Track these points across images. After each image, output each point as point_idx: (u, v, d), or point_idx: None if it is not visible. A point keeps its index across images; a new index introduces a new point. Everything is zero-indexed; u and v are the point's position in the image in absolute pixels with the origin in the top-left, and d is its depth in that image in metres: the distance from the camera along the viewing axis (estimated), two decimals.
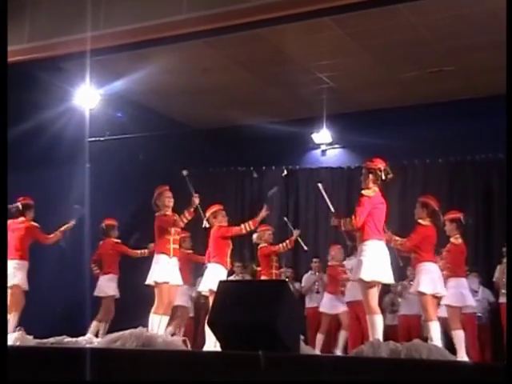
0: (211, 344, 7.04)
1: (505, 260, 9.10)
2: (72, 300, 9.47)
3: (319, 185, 8.11)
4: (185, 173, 8.00)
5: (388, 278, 6.42)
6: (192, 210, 7.51)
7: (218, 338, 4.95)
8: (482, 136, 10.58)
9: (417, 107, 11.19)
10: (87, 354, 4.15)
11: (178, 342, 5.18)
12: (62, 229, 8.70)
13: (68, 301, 9.71)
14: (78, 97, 10.13)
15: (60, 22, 7.71)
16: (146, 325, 6.97)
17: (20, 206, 8.44)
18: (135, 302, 9.18)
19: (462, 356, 7.15)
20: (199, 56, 9.79)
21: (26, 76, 8.84)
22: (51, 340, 5.86)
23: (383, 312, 9.59)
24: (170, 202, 7.58)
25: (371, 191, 6.46)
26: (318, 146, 12.51)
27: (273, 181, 12.81)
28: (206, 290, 7.80)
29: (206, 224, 8.10)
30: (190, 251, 9.60)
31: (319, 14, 7.27)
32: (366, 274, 6.22)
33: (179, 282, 7.56)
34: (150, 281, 7.41)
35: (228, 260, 8.04)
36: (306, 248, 9.57)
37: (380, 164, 6.55)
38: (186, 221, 7.52)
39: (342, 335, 9.40)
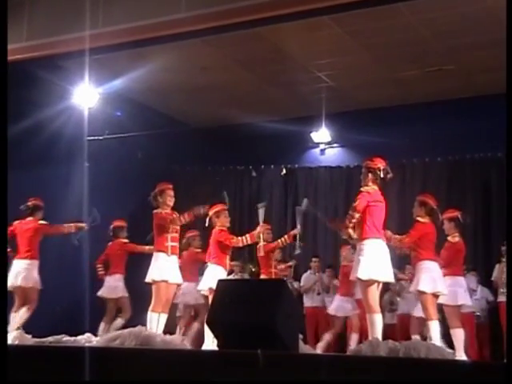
0: (209, 343, 7.04)
1: (503, 259, 9.11)
2: (71, 299, 9.47)
3: (305, 200, 8.18)
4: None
5: (387, 276, 6.40)
6: (192, 214, 7.51)
7: (217, 337, 4.95)
8: (481, 135, 10.58)
9: (416, 106, 11.18)
10: (86, 352, 4.15)
11: (177, 341, 5.19)
12: (78, 225, 8.64)
13: (67, 300, 9.71)
14: (76, 95, 10.12)
15: (59, 20, 7.70)
16: (144, 323, 6.98)
17: (29, 207, 8.52)
18: (134, 300, 9.19)
19: (461, 355, 7.15)
20: (198, 54, 9.79)
21: (24, 74, 8.83)
22: (50, 339, 5.87)
23: (382, 311, 9.61)
24: (172, 201, 7.57)
25: (369, 188, 6.47)
26: (317, 144, 12.50)
27: (272, 180, 12.85)
28: (206, 288, 7.80)
29: (207, 223, 8.10)
30: (199, 250, 9.57)
31: (318, 13, 7.26)
32: (364, 273, 6.22)
33: (178, 280, 7.55)
34: (148, 279, 7.41)
35: (227, 261, 8.04)
36: (297, 248, 9.50)
37: (380, 163, 6.55)
38: (183, 222, 7.51)
39: (354, 338, 9.25)
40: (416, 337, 8.36)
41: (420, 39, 9.26)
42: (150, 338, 5.16)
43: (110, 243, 9.45)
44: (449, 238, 7.81)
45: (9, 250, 8.08)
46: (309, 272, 10.76)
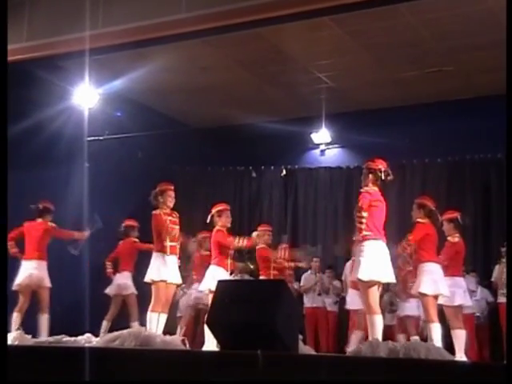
0: (210, 344, 7.04)
1: (503, 260, 9.11)
2: (71, 300, 9.47)
3: None
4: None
5: (388, 277, 6.40)
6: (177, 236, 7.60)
7: (217, 337, 4.95)
8: (481, 136, 10.58)
9: (416, 107, 11.19)
10: (86, 353, 4.15)
11: (177, 341, 5.18)
12: (84, 233, 8.76)
13: (67, 300, 9.71)
14: (76, 95, 10.12)
15: (59, 20, 7.70)
16: (144, 323, 6.98)
17: (40, 208, 8.63)
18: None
19: (461, 356, 7.15)
20: (198, 55, 9.79)
21: (24, 75, 8.83)
22: (50, 339, 5.86)
23: (382, 312, 9.58)
24: (172, 201, 7.58)
25: (370, 189, 6.47)
26: (317, 145, 12.51)
27: (272, 180, 12.85)
28: (206, 289, 7.80)
29: (208, 221, 8.11)
30: (209, 252, 9.57)
31: (318, 14, 7.26)
32: (364, 274, 6.21)
33: (177, 280, 7.56)
34: (147, 279, 7.42)
35: (228, 262, 8.02)
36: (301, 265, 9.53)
37: (381, 165, 6.55)
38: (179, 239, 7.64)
39: (358, 336, 9.12)
40: (415, 337, 8.35)
41: (420, 40, 9.27)
42: (150, 338, 5.16)
43: (121, 242, 9.49)
44: (449, 239, 7.82)
45: (17, 250, 8.37)
46: (309, 272, 10.75)
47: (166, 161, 11.94)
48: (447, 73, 10.22)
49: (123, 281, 9.26)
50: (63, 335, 5.89)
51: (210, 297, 6.30)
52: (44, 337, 7.60)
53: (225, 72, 10.51)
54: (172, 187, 7.63)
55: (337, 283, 10.74)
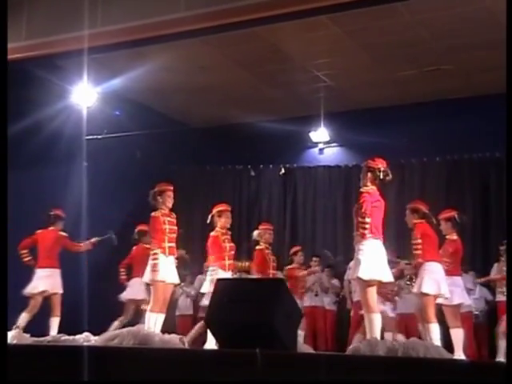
0: (213, 343, 7.05)
1: (502, 258, 9.13)
2: (69, 299, 9.47)
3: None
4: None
5: (386, 276, 6.41)
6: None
7: (216, 336, 4.96)
8: (480, 135, 10.59)
9: (414, 106, 11.19)
10: (84, 352, 4.15)
11: (175, 340, 5.19)
12: (93, 240, 8.96)
13: (66, 301, 9.71)
14: (75, 95, 10.11)
15: (57, 19, 7.69)
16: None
17: (51, 216, 8.83)
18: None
19: (460, 354, 7.16)
20: (197, 54, 9.79)
21: (23, 74, 8.82)
22: (48, 338, 5.87)
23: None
24: (171, 202, 7.58)
25: (369, 188, 6.47)
26: (315, 144, 12.50)
27: (270, 179, 12.85)
28: (206, 292, 7.83)
29: (209, 221, 8.11)
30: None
31: (316, 13, 7.26)
32: (365, 273, 6.22)
33: (175, 280, 7.58)
34: (145, 279, 7.43)
35: (227, 263, 8.01)
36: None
37: (380, 164, 6.55)
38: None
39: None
40: (414, 338, 8.34)
41: (418, 39, 9.27)
42: (149, 337, 5.16)
43: (135, 247, 9.49)
44: (447, 237, 7.84)
45: (30, 258, 8.63)
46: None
47: (164, 160, 11.94)
48: (446, 72, 10.22)
49: (138, 286, 9.25)
50: (62, 334, 5.90)
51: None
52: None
53: (223, 71, 10.51)
54: (171, 188, 7.62)
55: (336, 282, 10.74)
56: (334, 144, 12.49)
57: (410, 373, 3.57)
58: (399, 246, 8.88)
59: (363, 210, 6.27)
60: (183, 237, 8.45)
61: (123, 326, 8.99)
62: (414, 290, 7.37)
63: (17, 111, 8.28)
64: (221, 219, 8.05)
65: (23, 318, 8.31)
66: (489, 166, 11.03)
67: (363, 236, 6.26)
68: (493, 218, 10.75)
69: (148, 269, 7.36)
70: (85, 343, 5.71)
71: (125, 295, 9.32)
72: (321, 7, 6.73)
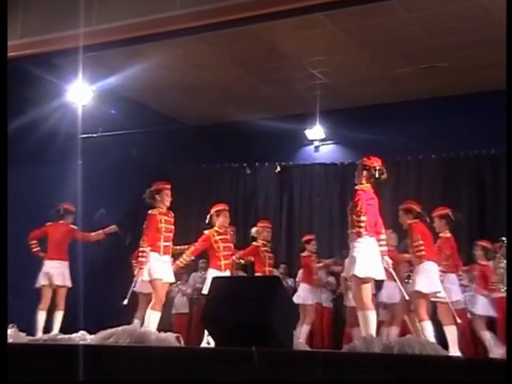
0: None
1: (498, 255, 9.15)
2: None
3: None
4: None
5: (380, 274, 6.44)
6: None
7: (212, 335, 4.96)
8: (475, 132, 10.61)
9: (410, 103, 11.20)
10: (80, 350, 4.14)
11: (172, 338, 5.18)
12: (106, 230, 9.04)
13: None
14: (71, 93, 10.10)
15: (53, 18, 7.68)
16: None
17: (61, 211, 8.97)
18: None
19: (455, 351, 7.18)
20: (192, 52, 9.79)
21: (18, 72, 8.80)
22: (44, 337, 5.86)
23: (377, 308, 9.57)
24: (168, 200, 7.60)
25: (364, 186, 6.49)
26: (311, 142, 12.51)
27: (266, 177, 12.86)
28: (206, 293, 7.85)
29: (207, 220, 8.12)
30: None
31: (312, 10, 7.26)
32: (360, 271, 6.23)
33: (171, 278, 7.59)
34: (143, 278, 7.45)
35: (222, 263, 8.01)
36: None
37: (376, 162, 6.57)
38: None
39: (393, 332, 8.71)
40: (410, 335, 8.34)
41: (414, 37, 9.27)
42: (145, 335, 5.15)
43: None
44: (441, 235, 7.87)
45: (39, 249, 8.83)
46: None
47: (160, 158, 11.94)
48: (441, 69, 10.23)
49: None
50: (57, 332, 5.90)
51: None
52: (55, 331, 7.92)
53: (219, 69, 10.51)
54: (169, 186, 7.63)
55: (332, 279, 10.74)
56: (330, 142, 12.50)
57: (405, 370, 3.57)
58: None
59: (358, 209, 6.28)
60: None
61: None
62: (410, 288, 7.38)
63: (12, 109, 8.25)
64: (219, 218, 8.07)
65: (41, 316, 8.49)
66: (484, 164, 11.05)
67: (359, 234, 6.27)
68: (489, 214, 10.77)
69: (146, 267, 7.38)
70: (81, 342, 5.70)
71: (139, 288, 9.29)
72: (317, 5, 6.72)
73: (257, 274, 8.93)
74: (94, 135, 10.78)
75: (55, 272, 8.66)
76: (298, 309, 10.01)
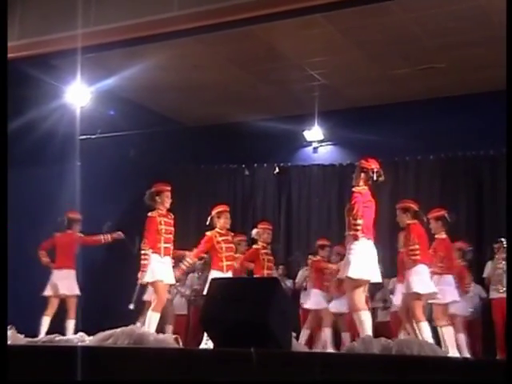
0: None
1: (496, 256, 9.17)
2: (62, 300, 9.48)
3: None
4: None
5: (376, 276, 6.46)
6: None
7: (211, 336, 4.96)
8: (474, 132, 10.61)
9: (408, 104, 11.20)
10: (79, 352, 4.14)
11: (170, 339, 5.18)
12: (114, 235, 9.11)
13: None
14: (69, 94, 10.10)
15: (51, 19, 7.68)
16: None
17: (66, 220, 9.09)
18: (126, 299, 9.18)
19: (454, 352, 7.19)
20: (191, 53, 9.78)
21: (16, 73, 8.77)
22: (43, 338, 5.85)
23: (375, 309, 9.61)
24: (168, 202, 7.61)
25: (361, 188, 6.50)
26: (309, 143, 12.51)
27: (265, 178, 12.85)
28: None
29: (208, 221, 8.12)
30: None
31: (311, 11, 7.26)
32: (354, 272, 6.25)
33: (172, 280, 7.60)
34: (143, 281, 7.44)
35: (224, 264, 8.01)
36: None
37: (374, 165, 6.58)
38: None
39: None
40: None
41: (412, 37, 9.27)
42: (143, 336, 5.15)
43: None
44: (437, 236, 7.88)
45: (48, 260, 8.96)
46: (304, 269, 10.73)
47: (158, 159, 11.93)
48: (439, 70, 10.23)
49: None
50: (56, 334, 5.89)
51: None
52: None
53: (217, 70, 10.50)
54: (169, 188, 7.64)
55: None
56: (328, 143, 12.49)
57: (404, 371, 3.57)
58: (393, 243, 8.88)
59: (355, 212, 6.30)
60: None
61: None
62: (404, 290, 7.37)
63: (10, 111, 8.24)
64: (220, 220, 8.07)
65: (45, 321, 8.63)
66: (483, 164, 11.04)
67: (355, 237, 6.29)
68: (487, 215, 10.77)
69: (147, 269, 7.38)
70: (79, 343, 5.70)
71: (148, 297, 9.25)
72: (315, 6, 6.73)
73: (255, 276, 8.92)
74: (93, 136, 10.78)
75: (62, 282, 8.83)
76: (299, 311, 10.04)
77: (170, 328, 9.10)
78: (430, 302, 7.49)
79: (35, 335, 6.35)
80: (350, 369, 3.68)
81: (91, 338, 5.80)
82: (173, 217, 7.64)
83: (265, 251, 8.86)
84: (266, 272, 8.78)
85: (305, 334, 9.58)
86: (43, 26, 7.73)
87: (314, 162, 12.62)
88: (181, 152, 12.39)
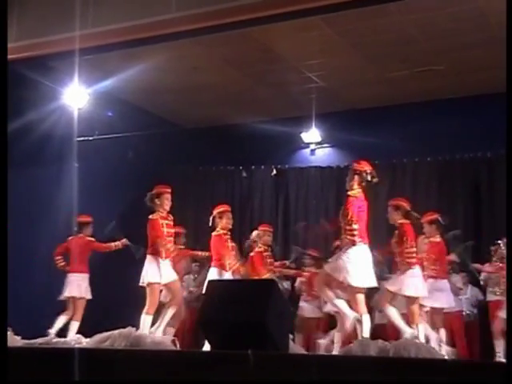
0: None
1: (494, 258, 9.16)
2: (59, 301, 9.47)
3: None
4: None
5: (372, 281, 6.50)
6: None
7: (208, 337, 4.96)
8: (471, 135, 10.62)
9: (406, 106, 11.20)
10: (76, 354, 4.14)
11: (167, 341, 5.19)
12: (124, 242, 9.14)
13: (56, 302, 9.69)
14: (66, 96, 10.08)
15: (48, 20, 7.68)
16: (134, 325, 6.98)
17: (78, 224, 9.18)
18: (124, 301, 9.18)
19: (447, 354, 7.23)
20: (188, 55, 9.78)
21: (14, 75, 8.76)
22: (39, 340, 5.86)
23: (373, 311, 9.59)
24: (168, 204, 7.60)
25: (356, 192, 6.51)
26: (307, 145, 12.50)
27: (262, 180, 12.85)
28: None
29: (211, 222, 8.11)
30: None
31: (308, 13, 7.26)
32: (357, 281, 6.29)
33: (173, 277, 7.59)
34: (141, 282, 7.42)
35: (228, 263, 8.01)
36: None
37: (366, 166, 6.59)
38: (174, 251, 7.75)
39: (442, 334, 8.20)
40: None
41: (410, 39, 9.28)
42: (140, 338, 5.16)
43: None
44: (431, 239, 7.89)
45: (64, 264, 9.07)
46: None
47: (156, 161, 11.93)
48: (437, 72, 10.24)
49: None
50: (53, 336, 5.89)
51: None
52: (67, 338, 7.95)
53: (215, 72, 10.50)
54: (169, 190, 7.63)
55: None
56: (326, 145, 12.49)
57: (401, 373, 3.58)
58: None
59: (349, 217, 6.31)
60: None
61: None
62: (398, 292, 7.34)
63: (8, 112, 8.26)
64: (222, 220, 8.07)
65: (60, 320, 8.67)
66: (480, 166, 11.05)
67: (353, 242, 6.31)
68: (484, 217, 10.77)
69: (144, 271, 7.38)
70: (76, 345, 5.70)
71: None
72: (313, 8, 6.74)
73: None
74: (90, 138, 10.76)
75: (73, 285, 8.95)
76: (294, 312, 10.02)
77: (171, 330, 9.07)
78: (422, 305, 7.51)
79: (32, 337, 6.33)
80: (347, 371, 3.68)
81: (88, 340, 5.81)
82: (172, 218, 7.64)
83: (266, 253, 8.86)
84: (267, 274, 8.77)
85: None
86: (41, 28, 7.73)
87: (312, 163, 12.62)
88: (178, 154, 12.38)
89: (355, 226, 6.31)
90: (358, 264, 6.31)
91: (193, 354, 4.89)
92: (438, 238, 7.86)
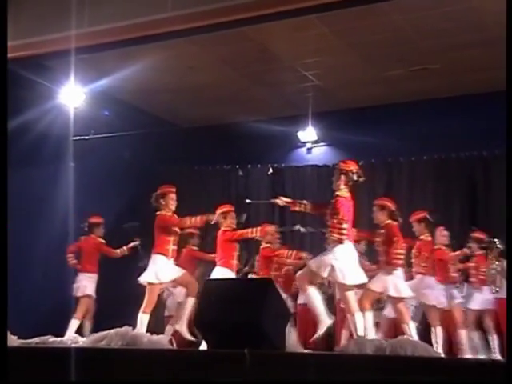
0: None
1: (490, 257, 9.16)
2: (56, 300, 9.47)
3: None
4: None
5: (362, 278, 6.52)
6: (204, 219, 7.53)
7: (204, 337, 4.96)
8: (467, 134, 10.63)
9: (402, 105, 11.21)
10: (72, 353, 4.14)
11: (164, 341, 5.19)
12: (130, 246, 9.30)
13: (53, 301, 9.70)
14: (62, 95, 10.07)
15: (44, 19, 7.66)
16: (130, 324, 6.98)
17: (88, 225, 9.33)
18: (121, 300, 9.18)
19: (440, 352, 7.25)
20: (185, 54, 9.77)
21: (10, 74, 8.77)
22: (36, 340, 5.85)
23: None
24: (174, 204, 7.59)
25: (344, 192, 6.52)
26: (303, 144, 12.51)
27: (259, 179, 12.84)
28: None
29: (215, 221, 8.07)
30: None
31: (305, 12, 7.26)
32: (347, 279, 6.31)
33: (178, 274, 7.58)
34: (143, 280, 7.38)
35: (235, 262, 8.02)
36: None
37: (352, 166, 6.59)
38: (192, 225, 7.62)
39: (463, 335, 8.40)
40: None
41: (406, 38, 9.29)
42: (137, 338, 5.16)
43: (184, 250, 9.42)
44: (422, 238, 7.89)
45: (76, 262, 9.24)
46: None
47: (152, 160, 11.92)
48: (433, 71, 10.25)
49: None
50: (49, 336, 5.88)
51: None
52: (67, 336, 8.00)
53: (211, 71, 10.50)
54: (174, 190, 7.62)
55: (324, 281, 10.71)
56: (322, 143, 12.50)
57: (398, 371, 3.58)
58: None
59: (340, 217, 6.32)
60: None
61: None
62: (385, 292, 7.34)
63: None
64: (226, 220, 8.06)
65: (73, 324, 8.79)
66: (476, 165, 11.07)
67: (340, 241, 6.32)
68: (480, 216, 10.78)
69: (148, 269, 7.36)
70: (73, 345, 5.70)
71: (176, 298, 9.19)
72: (309, 7, 6.74)
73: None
74: (87, 137, 10.76)
75: (80, 284, 9.10)
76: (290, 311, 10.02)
77: (170, 328, 9.06)
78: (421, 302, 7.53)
79: (29, 336, 6.32)
80: (344, 369, 3.68)
81: (85, 339, 5.80)
82: (188, 218, 7.64)
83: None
84: (272, 273, 8.80)
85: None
86: (37, 27, 7.71)
87: (308, 162, 12.62)
88: (175, 153, 12.37)
89: (345, 225, 6.33)
90: (345, 262, 6.33)
91: (189, 354, 4.89)
92: (428, 237, 7.86)
